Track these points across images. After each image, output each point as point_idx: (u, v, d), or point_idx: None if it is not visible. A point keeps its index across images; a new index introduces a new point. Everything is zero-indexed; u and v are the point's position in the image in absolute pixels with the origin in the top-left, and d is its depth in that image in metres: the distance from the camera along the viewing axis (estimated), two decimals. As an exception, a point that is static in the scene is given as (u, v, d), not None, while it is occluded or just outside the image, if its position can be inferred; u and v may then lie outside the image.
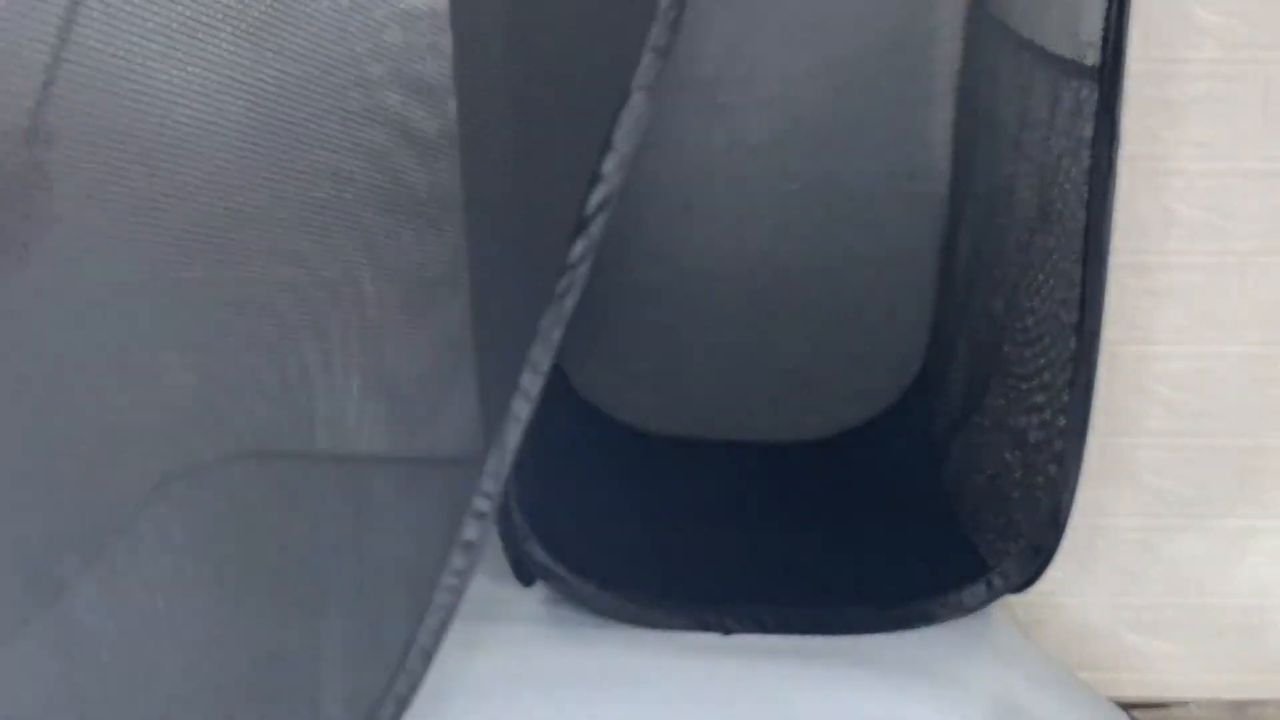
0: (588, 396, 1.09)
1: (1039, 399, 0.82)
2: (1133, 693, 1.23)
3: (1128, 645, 1.22)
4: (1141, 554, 1.19)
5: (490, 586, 0.85)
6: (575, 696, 0.77)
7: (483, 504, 0.66)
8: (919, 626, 0.78)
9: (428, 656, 0.68)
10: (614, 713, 0.76)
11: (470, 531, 0.66)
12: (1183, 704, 1.23)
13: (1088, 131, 0.76)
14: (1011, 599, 1.15)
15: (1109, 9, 0.71)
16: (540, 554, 0.81)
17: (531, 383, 0.63)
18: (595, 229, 0.58)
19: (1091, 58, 0.75)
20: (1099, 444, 1.17)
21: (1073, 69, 0.78)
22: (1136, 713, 0.89)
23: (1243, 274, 1.10)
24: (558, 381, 1.09)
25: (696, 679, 0.76)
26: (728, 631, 0.79)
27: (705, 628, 0.80)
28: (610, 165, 0.57)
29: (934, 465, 0.96)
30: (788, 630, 0.79)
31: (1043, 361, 0.82)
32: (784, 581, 0.83)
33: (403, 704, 0.69)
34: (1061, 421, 0.77)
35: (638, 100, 0.56)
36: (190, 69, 0.63)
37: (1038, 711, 0.79)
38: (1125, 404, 1.15)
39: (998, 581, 0.78)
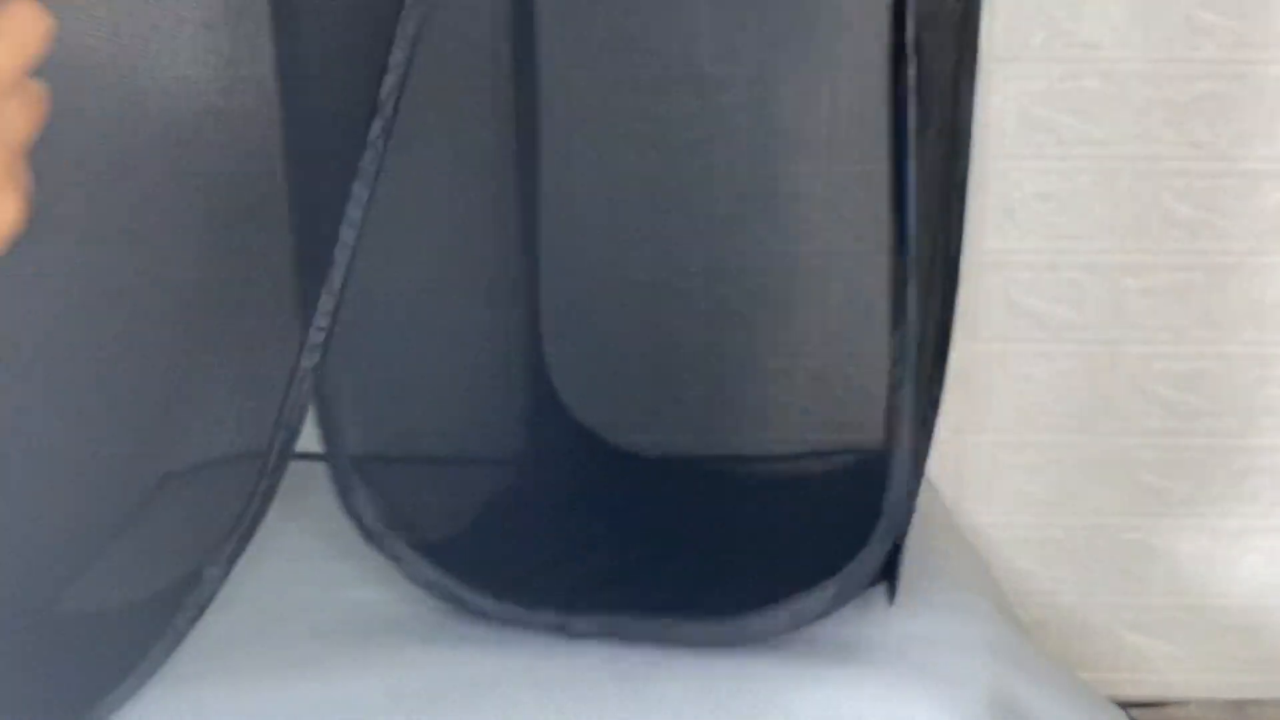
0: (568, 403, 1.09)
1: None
2: (1132, 692, 1.23)
3: (1127, 644, 1.23)
4: (1140, 553, 1.20)
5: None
6: (569, 695, 0.77)
7: (316, 336, 0.71)
8: (762, 640, 0.76)
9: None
10: (610, 712, 0.76)
11: (307, 360, 0.71)
12: (1182, 703, 1.24)
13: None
14: (1012, 598, 1.16)
15: None
16: (370, 514, 0.81)
17: (348, 234, 0.70)
18: (389, 108, 0.69)
19: None
20: (1099, 443, 1.18)
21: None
22: (1136, 712, 0.89)
23: (1241, 274, 1.11)
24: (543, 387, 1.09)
25: (693, 676, 0.76)
26: (574, 635, 0.78)
27: (545, 627, 0.79)
28: (397, 57, 0.69)
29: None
30: (636, 639, 0.77)
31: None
32: (640, 593, 0.81)
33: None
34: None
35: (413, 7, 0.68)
36: None
37: (1037, 710, 0.79)
38: (1124, 404, 1.15)
39: (835, 588, 0.74)
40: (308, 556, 0.90)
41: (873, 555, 0.74)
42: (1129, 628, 1.22)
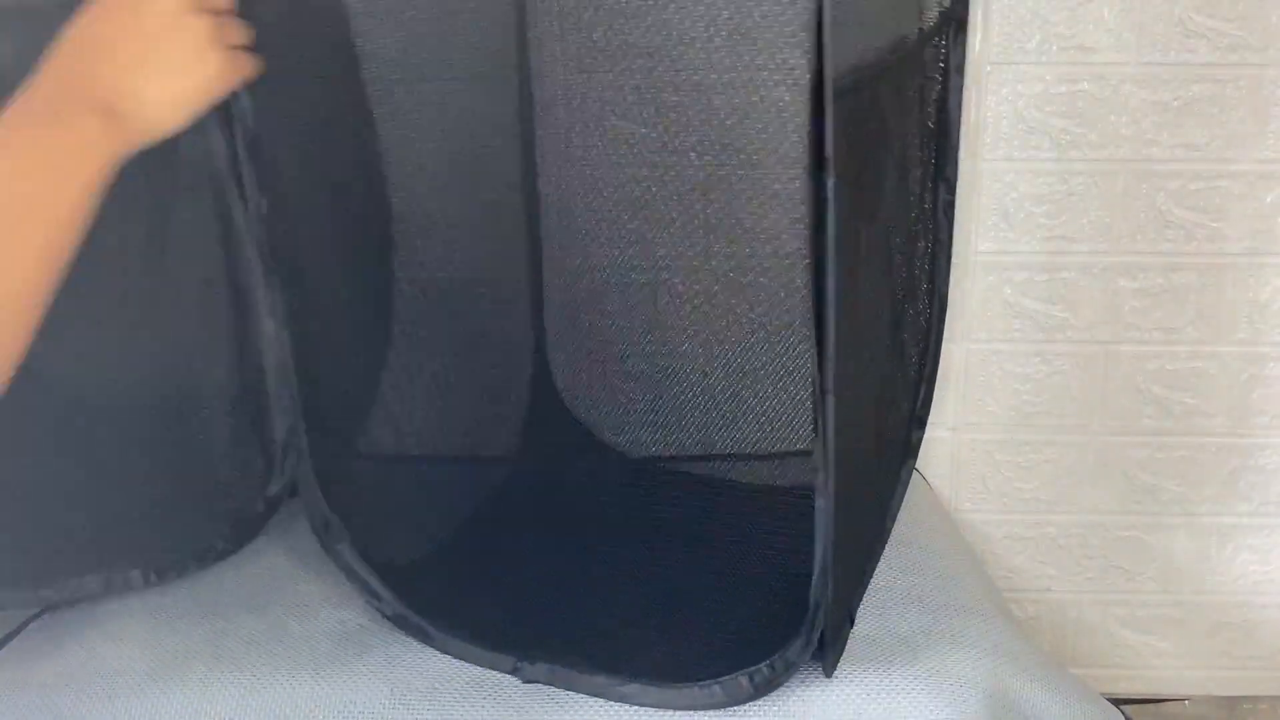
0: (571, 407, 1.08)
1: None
2: (1126, 688, 1.24)
3: (1121, 641, 1.23)
4: (1135, 551, 1.20)
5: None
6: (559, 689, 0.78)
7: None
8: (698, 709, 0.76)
9: None
10: (611, 710, 0.77)
11: None
12: (1177, 700, 1.24)
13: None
14: (1006, 595, 1.16)
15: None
16: (345, 550, 0.82)
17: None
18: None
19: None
20: (1093, 442, 1.18)
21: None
22: (1130, 708, 0.90)
23: (1234, 275, 1.11)
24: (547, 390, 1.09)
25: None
26: (526, 680, 0.79)
27: (500, 670, 0.80)
28: None
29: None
30: (581, 690, 0.78)
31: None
32: (590, 644, 0.80)
33: None
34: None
35: None
36: None
37: (1033, 707, 0.79)
38: (1119, 403, 1.16)
39: (767, 672, 0.75)
40: (312, 558, 0.90)
41: (800, 648, 0.74)
42: (1123, 625, 1.23)
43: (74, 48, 0.62)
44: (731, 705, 0.75)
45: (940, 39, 0.94)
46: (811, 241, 0.65)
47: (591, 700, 0.77)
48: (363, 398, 0.87)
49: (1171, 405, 1.16)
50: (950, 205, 1.00)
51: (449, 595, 0.84)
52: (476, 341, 0.98)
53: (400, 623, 0.83)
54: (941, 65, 0.96)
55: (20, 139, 0.59)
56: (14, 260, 0.57)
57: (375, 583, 0.83)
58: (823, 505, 0.70)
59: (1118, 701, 0.87)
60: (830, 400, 0.68)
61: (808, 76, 0.61)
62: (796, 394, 0.99)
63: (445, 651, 0.81)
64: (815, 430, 0.69)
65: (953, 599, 0.87)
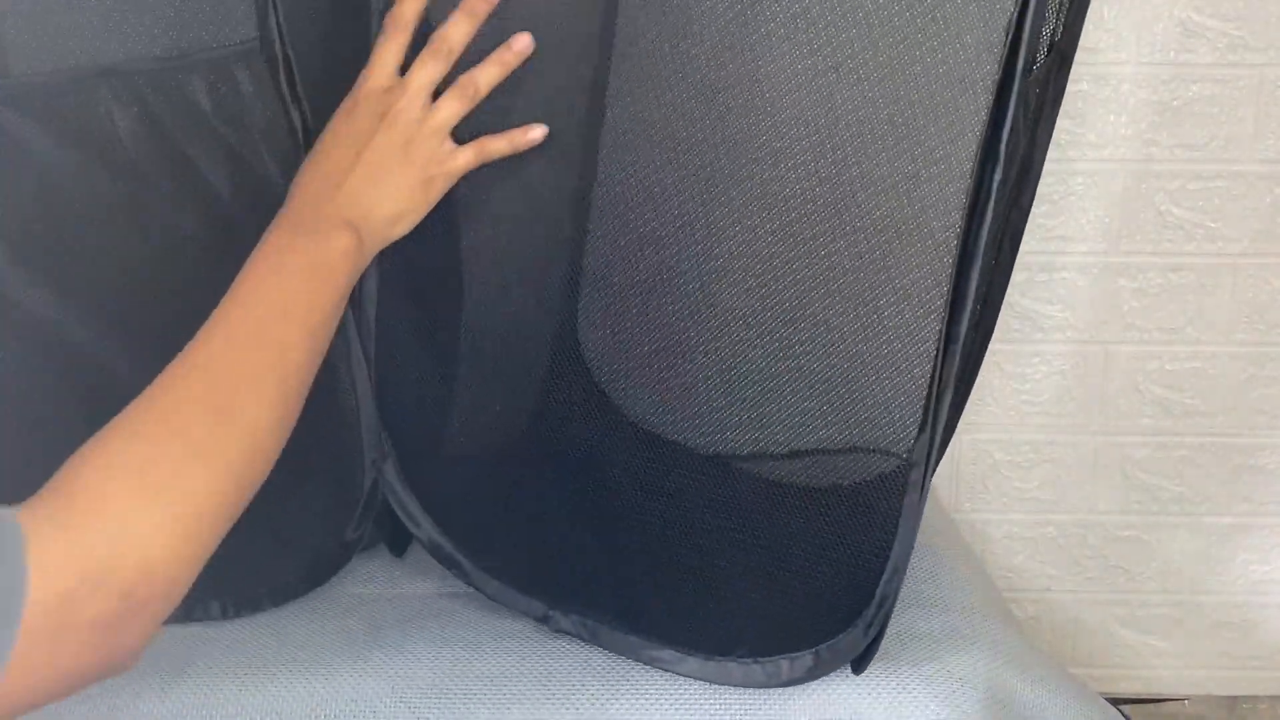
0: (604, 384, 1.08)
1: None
2: (1125, 688, 1.24)
3: (1120, 641, 1.23)
4: (1134, 551, 1.21)
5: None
6: (564, 688, 0.78)
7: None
8: (731, 685, 0.75)
9: None
10: (605, 701, 0.77)
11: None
12: (1176, 700, 1.24)
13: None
14: (1006, 595, 1.16)
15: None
16: (391, 469, 0.82)
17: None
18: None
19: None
20: (1093, 442, 1.19)
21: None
22: (1129, 708, 0.90)
23: (1234, 275, 1.12)
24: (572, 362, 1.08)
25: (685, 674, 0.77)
26: (556, 630, 0.79)
27: (531, 616, 0.80)
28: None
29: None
30: (611, 648, 0.78)
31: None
32: (626, 603, 0.80)
33: None
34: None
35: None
36: None
37: (1032, 707, 0.79)
38: (1118, 403, 1.16)
39: (811, 660, 0.74)
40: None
41: (853, 640, 0.73)
42: (1122, 624, 1.23)
43: (314, 175, 0.71)
44: (767, 687, 0.74)
45: (1047, 69, 0.94)
46: (961, 242, 0.66)
47: (599, 699, 0.77)
48: (428, 342, 0.87)
49: (1171, 405, 1.16)
50: (1017, 237, 0.99)
51: (486, 536, 0.83)
52: (514, 298, 0.98)
53: (435, 551, 0.82)
54: (1038, 93, 0.95)
55: (292, 246, 0.67)
56: (286, 359, 0.63)
57: (414, 505, 0.82)
58: (912, 500, 0.70)
59: (1117, 701, 0.87)
60: (950, 394, 0.67)
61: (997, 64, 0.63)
62: (879, 393, 0.99)
63: (479, 589, 0.81)
64: (922, 427, 0.69)
65: (952, 599, 0.88)
